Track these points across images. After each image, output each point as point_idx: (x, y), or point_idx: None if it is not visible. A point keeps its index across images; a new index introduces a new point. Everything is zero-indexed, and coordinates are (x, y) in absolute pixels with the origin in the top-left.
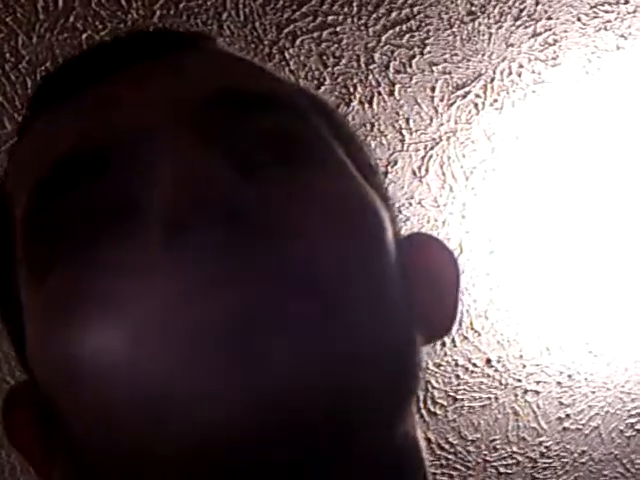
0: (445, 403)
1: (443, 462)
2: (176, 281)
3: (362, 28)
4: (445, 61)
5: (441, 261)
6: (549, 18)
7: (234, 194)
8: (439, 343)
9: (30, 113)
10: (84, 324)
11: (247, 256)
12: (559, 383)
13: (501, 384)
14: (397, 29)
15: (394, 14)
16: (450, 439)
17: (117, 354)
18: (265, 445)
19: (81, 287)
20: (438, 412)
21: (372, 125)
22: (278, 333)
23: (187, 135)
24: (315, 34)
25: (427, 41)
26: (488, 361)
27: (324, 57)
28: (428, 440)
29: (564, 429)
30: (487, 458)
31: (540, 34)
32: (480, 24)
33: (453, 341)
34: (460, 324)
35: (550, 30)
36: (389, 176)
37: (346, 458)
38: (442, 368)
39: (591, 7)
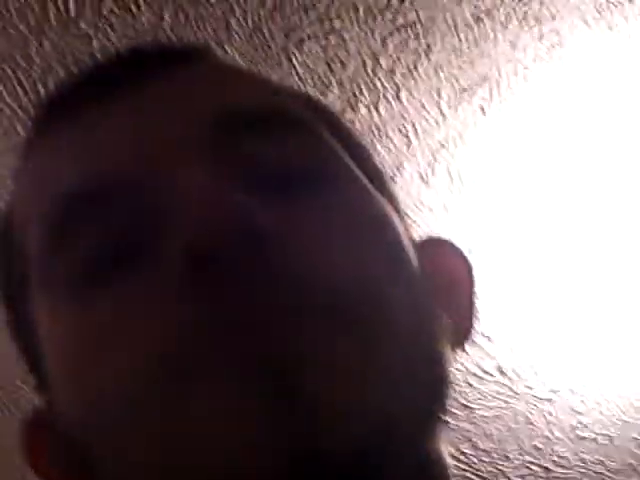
0: (458, 412)
1: (456, 472)
2: (204, 319)
3: (368, 33)
4: (451, 65)
5: (455, 265)
6: (554, 20)
7: (253, 221)
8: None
9: (33, 134)
10: (111, 360)
11: (273, 290)
12: (572, 390)
13: (513, 392)
14: (403, 33)
15: (400, 19)
16: (463, 448)
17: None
18: None
19: (104, 321)
20: (451, 421)
21: (379, 130)
22: (325, 377)
23: (200, 161)
24: (322, 39)
25: (433, 45)
26: (500, 369)
27: (331, 62)
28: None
29: (578, 438)
30: (500, 468)
31: (545, 36)
32: (485, 27)
33: (465, 349)
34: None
35: (556, 32)
36: (396, 181)
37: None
38: (454, 376)
39: (596, 9)
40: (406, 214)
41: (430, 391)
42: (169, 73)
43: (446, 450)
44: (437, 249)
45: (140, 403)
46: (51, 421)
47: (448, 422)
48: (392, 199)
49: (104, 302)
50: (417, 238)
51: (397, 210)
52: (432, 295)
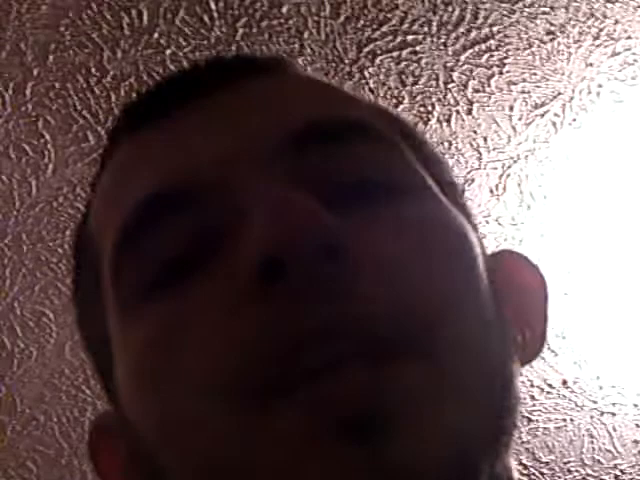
0: (519, 424)
1: None
2: (278, 330)
3: (441, 47)
4: (524, 80)
5: (530, 279)
6: (628, 37)
7: (329, 231)
8: None
9: (112, 141)
10: (185, 370)
11: (349, 303)
12: (636, 405)
13: (577, 405)
14: (476, 48)
15: (473, 33)
16: (524, 461)
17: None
18: None
19: (178, 326)
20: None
21: (450, 143)
22: (407, 418)
23: (277, 170)
24: (395, 53)
25: (506, 60)
26: (564, 382)
27: (403, 76)
28: None
29: None
30: None
31: (619, 53)
32: (559, 44)
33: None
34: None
35: (629, 50)
36: (466, 194)
37: None
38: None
39: None
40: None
41: (503, 408)
42: (249, 83)
43: (513, 465)
44: (511, 262)
45: (213, 418)
46: (118, 428)
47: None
48: (465, 211)
49: (176, 305)
50: (495, 250)
51: (470, 222)
52: (503, 310)
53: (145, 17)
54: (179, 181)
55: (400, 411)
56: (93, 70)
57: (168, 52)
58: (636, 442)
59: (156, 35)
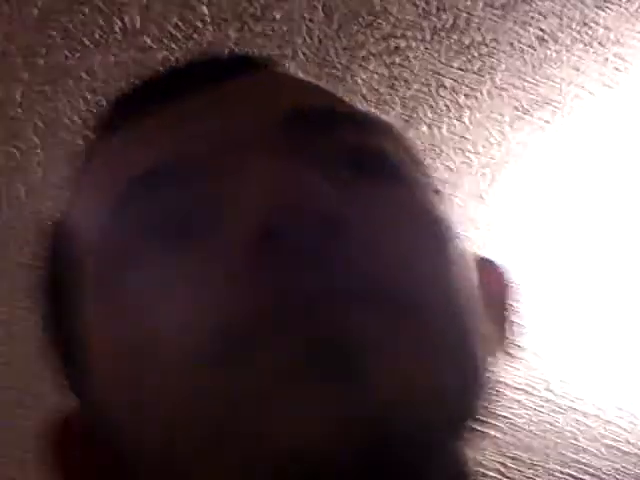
0: (503, 425)
1: None
2: (270, 290)
3: (433, 53)
4: (514, 86)
5: (496, 280)
6: (619, 44)
7: (328, 203)
8: (500, 365)
9: (100, 134)
10: (166, 328)
11: (342, 276)
12: (619, 408)
13: (560, 408)
14: (467, 54)
15: (465, 39)
16: (506, 462)
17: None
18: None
19: (167, 287)
20: (496, 434)
21: (440, 149)
22: (388, 360)
23: (275, 148)
24: (386, 59)
25: (497, 67)
26: (547, 384)
27: (394, 81)
28: (482, 464)
29: (623, 454)
30: None
31: (610, 60)
32: (550, 50)
33: (512, 364)
34: (520, 346)
35: (619, 56)
36: (455, 198)
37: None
38: (502, 392)
39: None
40: (464, 231)
41: (473, 384)
42: (243, 75)
43: (470, 455)
44: (481, 267)
45: (201, 380)
46: (85, 423)
47: (495, 437)
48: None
49: (168, 269)
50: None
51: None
52: (477, 302)
53: (136, 21)
54: (174, 158)
55: (368, 352)
56: (84, 74)
57: (159, 56)
58: (618, 443)
59: (148, 39)
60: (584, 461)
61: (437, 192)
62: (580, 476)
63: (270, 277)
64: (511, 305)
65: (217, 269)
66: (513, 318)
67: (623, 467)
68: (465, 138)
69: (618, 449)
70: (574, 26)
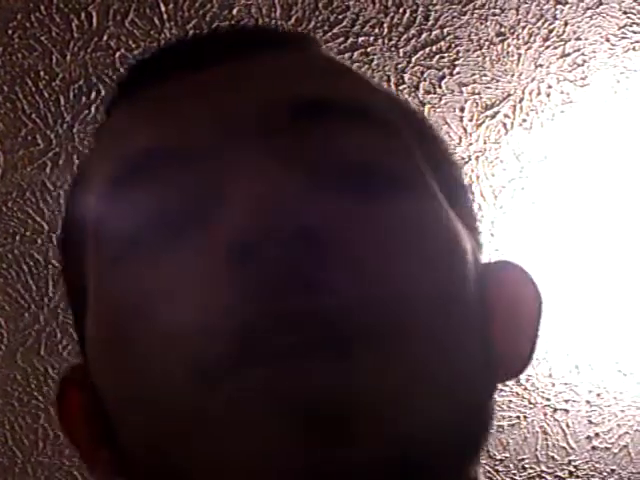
0: None
1: None
2: (238, 290)
3: (392, 49)
4: (474, 82)
5: (524, 295)
6: (578, 39)
7: (304, 215)
8: None
9: (117, 97)
10: (150, 321)
11: (314, 305)
12: (588, 402)
13: (530, 403)
14: (427, 50)
15: (424, 35)
16: None
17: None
18: None
19: (147, 287)
20: None
21: None
22: (374, 411)
23: (266, 144)
24: (346, 55)
25: (457, 62)
26: (517, 379)
27: None
28: None
29: (593, 448)
30: (516, 478)
31: (569, 55)
32: (509, 45)
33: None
34: None
35: (579, 51)
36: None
37: None
38: None
39: (620, 28)
40: None
41: (475, 419)
42: (263, 55)
43: (480, 475)
44: (507, 275)
45: (168, 387)
46: (84, 380)
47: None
48: (466, 214)
49: (150, 264)
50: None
51: (470, 226)
52: (488, 322)
53: (95, 20)
54: (174, 139)
55: (354, 410)
56: (42, 73)
57: (118, 54)
58: (589, 438)
59: (106, 37)
60: (557, 457)
61: (460, 190)
62: (555, 472)
63: (237, 299)
64: (538, 325)
65: (195, 275)
66: (538, 336)
67: (596, 462)
68: None
69: (590, 444)
70: (533, 21)
